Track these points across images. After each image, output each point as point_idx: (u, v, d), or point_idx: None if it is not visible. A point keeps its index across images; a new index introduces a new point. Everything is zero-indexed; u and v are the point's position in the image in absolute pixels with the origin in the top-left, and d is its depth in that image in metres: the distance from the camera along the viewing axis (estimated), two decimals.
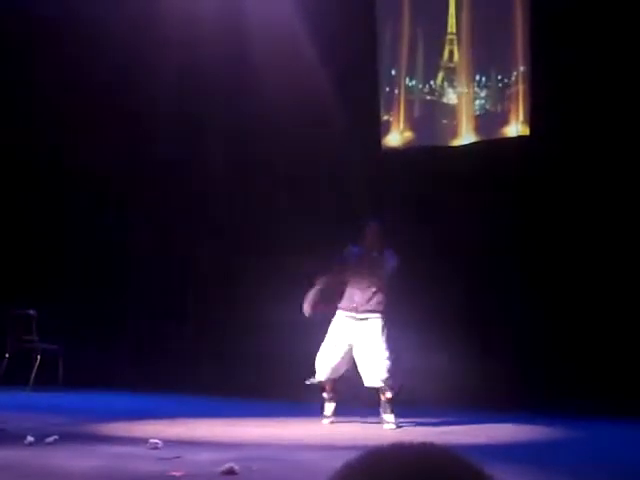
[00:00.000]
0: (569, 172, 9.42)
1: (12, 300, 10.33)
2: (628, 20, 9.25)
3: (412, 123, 10.73)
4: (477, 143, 10.24)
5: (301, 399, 8.51)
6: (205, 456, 5.10)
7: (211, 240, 11.01)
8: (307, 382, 7.54)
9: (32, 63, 11.36)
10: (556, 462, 5.48)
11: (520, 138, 9.97)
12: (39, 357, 10.05)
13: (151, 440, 5.46)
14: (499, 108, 10.29)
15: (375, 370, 7.21)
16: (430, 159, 10.16)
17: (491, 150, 10.00)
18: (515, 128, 10.06)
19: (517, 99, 10.06)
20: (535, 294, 9.36)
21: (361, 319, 7.33)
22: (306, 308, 7.44)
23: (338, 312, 7.46)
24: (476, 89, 10.38)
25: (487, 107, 10.40)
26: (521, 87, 10.02)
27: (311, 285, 7.50)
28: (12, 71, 11.46)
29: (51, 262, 11.30)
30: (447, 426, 7.30)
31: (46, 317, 10.15)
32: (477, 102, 10.42)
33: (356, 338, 7.33)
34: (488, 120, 10.33)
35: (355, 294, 7.38)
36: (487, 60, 10.33)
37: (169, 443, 5.50)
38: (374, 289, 7.36)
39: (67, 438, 5.62)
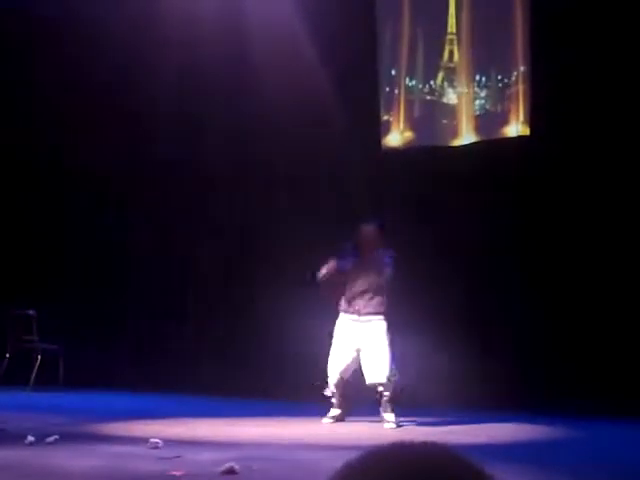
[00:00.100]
0: (569, 172, 9.41)
1: (12, 300, 10.33)
2: (628, 20, 9.25)
3: (412, 123, 10.73)
4: (477, 143, 10.24)
5: (301, 399, 8.51)
6: (205, 456, 5.11)
7: (211, 240, 11.01)
8: (317, 385, 7.55)
9: (32, 63, 11.36)
10: (556, 462, 5.48)
11: (520, 138, 9.97)
12: (39, 357, 10.06)
13: (151, 440, 5.46)
14: (499, 108, 10.29)
15: (377, 369, 7.23)
16: (430, 159, 10.15)
17: (491, 150, 10.00)
18: (515, 128, 10.06)
19: (517, 99, 10.06)
20: (535, 294, 9.36)
21: (364, 322, 7.36)
22: (322, 273, 7.40)
23: (341, 315, 7.48)
24: (476, 89, 10.38)
25: (487, 107, 10.40)
26: (521, 87, 10.02)
27: (313, 278, 7.50)
28: (12, 71, 11.46)
29: (51, 262, 11.30)
30: (447, 426, 7.30)
31: (46, 317, 10.15)
32: (477, 102, 10.42)
33: (361, 340, 7.37)
34: (488, 120, 10.33)
35: (355, 297, 7.41)
36: (487, 60, 10.33)
37: (169, 443, 5.50)
38: (373, 291, 7.38)
39: (67, 438, 5.63)
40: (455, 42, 10.44)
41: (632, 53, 9.22)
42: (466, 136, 10.36)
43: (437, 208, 9.91)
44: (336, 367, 7.45)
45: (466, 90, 10.42)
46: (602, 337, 8.94)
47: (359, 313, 7.38)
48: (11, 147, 11.58)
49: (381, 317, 7.35)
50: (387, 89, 10.77)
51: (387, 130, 10.72)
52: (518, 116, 10.03)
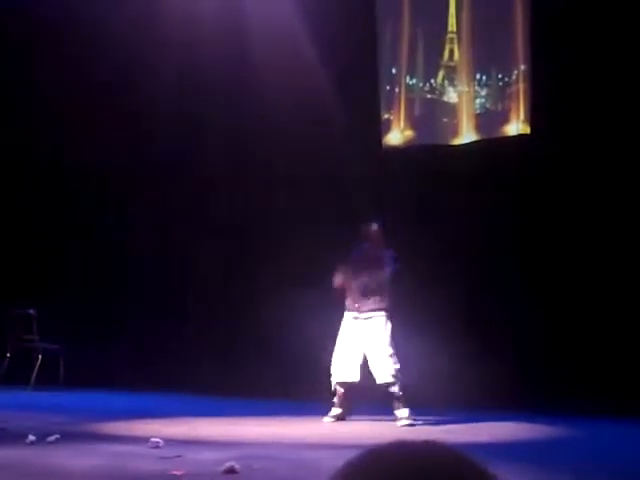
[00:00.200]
0: (569, 171, 9.41)
1: (12, 300, 10.33)
2: (628, 20, 9.25)
3: (412, 122, 10.73)
4: (478, 142, 10.24)
5: (302, 398, 8.51)
6: (206, 455, 5.11)
7: (211, 240, 11.01)
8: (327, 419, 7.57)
9: (32, 63, 11.36)
10: (556, 461, 5.48)
11: (521, 137, 9.97)
12: (40, 357, 10.06)
13: (152, 439, 5.46)
14: (499, 107, 10.29)
15: (382, 367, 7.25)
16: (430, 158, 10.16)
17: (492, 149, 10.00)
18: (516, 127, 10.06)
19: (517, 98, 10.06)
20: (535, 294, 9.36)
21: (365, 318, 7.39)
22: (336, 280, 7.44)
23: (345, 314, 7.52)
24: (476, 88, 10.38)
25: (487, 106, 10.40)
26: (521, 86, 10.02)
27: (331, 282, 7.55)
28: (12, 71, 11.46)
29: (51, 262, 11.30)
30: (448, 425, 7.30)
31: (46, 317, 10.16)
32: (477, 101, 10.42)
33: (363, 337, 7.39)
34: (488, 119, 10.33)
35: (356, 294, 7.46)
36: (487, 59, 10.33)
37: (170, 442, 5.50)
38: (374, 288, 7.40)
39: (68, 437, 5.63)
40: (455, 41, 10.44)
41: (632, 53, 9.22)
42: (466, 135, 10.36)
43: (437, 207, 9.91)
44: (339, 363, 7.47)
45: (466, 89, 10.42)
46: (602, 337, 8.94)
47: (359, 310, 7.42)
48: (11, 147, 11.58)
49: (382, 314, 7.38)
50: (387, 88, 10.77)
51: (387, 129, 10.73)
52: (518, 115, 10.03)
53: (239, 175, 10.91)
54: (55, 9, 11.09)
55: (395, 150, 10.67)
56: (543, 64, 9.72)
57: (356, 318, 7.46)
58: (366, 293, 7.42)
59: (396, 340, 7.41)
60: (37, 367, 10.00)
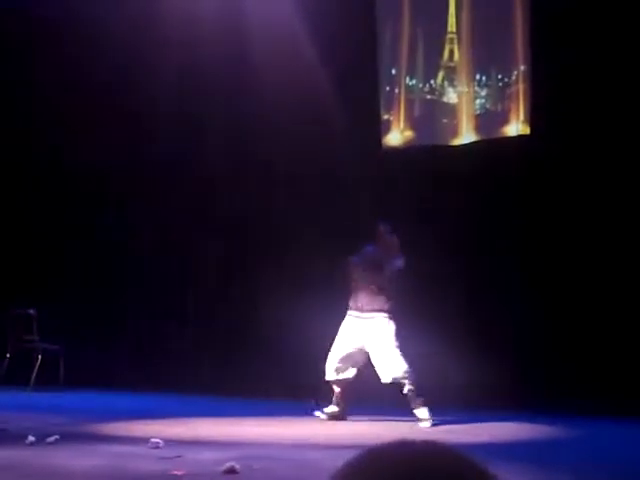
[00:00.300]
0: (569, 171, 9.42)
1: (12, 300, 10.33)
2: (628, 20, 9.25)
3: (412, 122, 10.73)
4: (477, 142, 10.24)
5: (302, 398, 8.51)
6: (206, 455, 5.11)
7: (211, 240, 11.01)
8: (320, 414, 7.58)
9: (32, 63, 11.36)
10: (557, 461, 5.49)
11: (520, 137, 9.97)
12: (40, 357, 10.06)
13: (152, 439, 5.46)
14: (499, 107, 10.29)
15: (390, 367, 7.24)
16: (430, 158, 10.16)
17: (491, 149, 10.00)
18: (515, 127, 10.06)
19: (517, 98, 10.06)
20: (535, 294, 9.36)
21: (367, 318, 7.39)
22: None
23: (348, 313, 7.52)
24: (476, 88, 10.38)
25: (487, 106, 10.40)
26: (521, 86, 10.02)
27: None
28: (12, 71, 11.46)
29: (51, 262, 11.30)
30: (448, 425, 7.30)
31: (46, 317, 10.16)
32: (477, 101, 10.42)
33: (365, 338, 7.40)
34: (488, 119, 10.33)
35: (360, 294, 7.47)
36: (487, 59, 10.33)
37: (170, 442, 5.51)
38: (378, 289, 7.40)
39: (68, 438, 5.63)
40: (455, 41, 10.44)
41: (632, 53, 9.22)
42: (466, 135, 10.36)
43: (437, 208, 9.91)
44: (335, 360, 7.47)
45: (466, 89, 10.42)
46: (602, 337, 8.95)
47: (362, 310, 7.42)
48: (11, 147, 11.58)
49: (385, 315, 7.37)
50: (387, 88, 10.77)
51: (387, 129, 10.73)
52: (518, 115, 10.03)
53: (239, 175, 10.91)
54: (55, 9, 11.09)
55: (395, 150, 10.67)
56: (543, 64, 9.72)
57: (358, 318, 7.45)
58: (370, 294, 7.43)
59: (404, 339, 7.43)
60: (37, 367, 10.00)
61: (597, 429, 7.48)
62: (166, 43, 10.74)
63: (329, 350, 7.58)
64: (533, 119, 9.85)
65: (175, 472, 4.46)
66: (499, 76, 10.24)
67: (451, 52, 10.48)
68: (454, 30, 10.43)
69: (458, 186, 9.76)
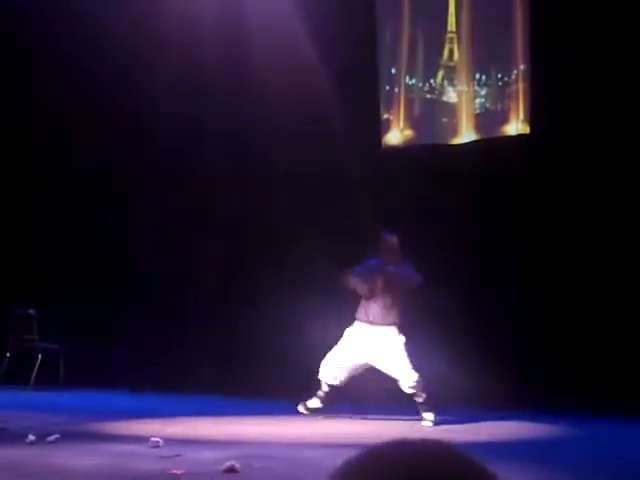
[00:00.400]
0: (569, 171, 9.42)
1: (13, 299, 10.33)
2: (628, 20, 9.25)
3: (412, 121, 10.73)
4: (477, 141, 10.24)
5: (302, 398, 8.50)
6: (206, 454, 5.11)
7: (211, 240, 11.00)
8: (302, 409, 7.61)
9: (32, 63, 11.35)
10: (557, 460, 5.49)
11: (520, 136, 9.97)
12: (40, 356, 10.06)
13: (152, 439, 5.46)
14: (499, 106, 10.29)
15: (403, 378, 7.30)
16: (430, 158, 10.15)
17: (491, 149, 10.00)
18: (515, 126, 10.06)
19: (517, 97, 10.06)
20: (535, 294, 9.36)
21: (377, 332, 7.41)
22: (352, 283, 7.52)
23: (356, 322, 7.53)
24: (476, 87, 10.38)
25: (487, 105, 10.40)
26: (521, 85, 10.02)
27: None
28: (12, 71, 11.46)
29: (51, 262, 11.30)
30: (448, 424, 7.31)
31: (46, 316, 10.16)
32: (477, 100, 10.42)
33: (373, 352, 7.43)
34: (488, 118, 10.33)
35: (371, 308, 7.47)
36: (487, 58, 10.32)
37: (170, 442, 5.51)
38: (390, 303, 7.42)
39: (68, 437, 5.63)
40: (455, 40, 10.44)
41: (632, 53, 9.22)
42: (466, 134, 10.36)
43: (437, 207, 9.91)
44: (332, 363, 7.49)
45: (466, 88, 10.42)
46: (602, 337, 8.95)
47: (373, 323, 7.42)
48: (11, 147, 11.58)
49: (395, 328, 7.40)
50: (387, 88, 10.77)
51: (387, 128, 10.73)
52: (518, 114, 10.03)
53: (239, 175, 10.91)
54: (55, 9, 11.08)
55: (395, 150, 10.67)
56: (543, 64, 9.72)
57: (366, 329, 7.45)
58: (383, 307, 7.43)
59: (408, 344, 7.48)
60: (37, 367, 10.00)
61: (597, 428, 7.48)
62: (166, 43, 10.73)
63: (329, 350, 7.59)
64: (533, 118, 9.84)
65: (175, 471, 4.46)
66: (499, 75, 10.23)
67: (451, 51, 10.48)
68: (454, 29, 10.42)
69: (458, 185, 9.76)
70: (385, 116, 10.75)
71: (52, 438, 5.49)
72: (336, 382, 7.56)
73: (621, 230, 9.15)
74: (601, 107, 9.30)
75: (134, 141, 11.13)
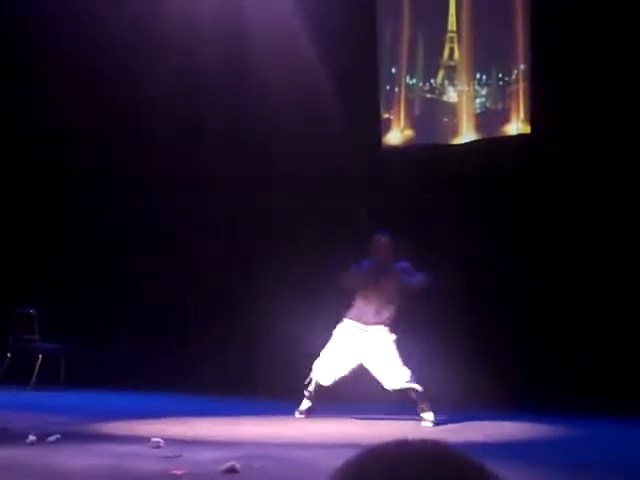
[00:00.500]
0: (570, 170, 9.42)
1: (13, 299, 10.33)
2: (628, 20, 9.25)
3: (412, 121, 10.73)
4: (478, 141, 10.24)
5: (302, 398, 8.50)
6: (206, 455, 5.11)
7: (211, 240, 11.01)
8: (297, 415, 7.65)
9: (32, 63, 11.35)
10: (556, 460, 5.49)
11: (521, 136, 9.97)
12: (40, 356, 10.06)
13: (153, 439, 5.47)
14: (500, 106, 10.29)
15: (394, 375, 7.28)
16: (430, 157, 10.16)
17: (492, 148, 10.00)
18: (516, 126, 10.06)
19: (518, 97, 10.06)
20: (535, 293, 9.36)
21: (371, 331, 7.40)
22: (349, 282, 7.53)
23: (346, 321, 7.51)
24: (477, 87, 10.38)
25: (488, 105, 10.40)
26: (522, 85, 10.02)
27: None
28: (12, 71, 11.46)
29: (51, 262, 11.30)
30: (447, 425, 7.30)
31: (47, 316, 10.16)
32: (478, 100, 10.42)
33: (364, 350, 7.41)
34: (489, 118, 10.33)
35: (365, 308, 7.44)
36: (487, 58, 10.33)
37: (170, 442, 5.51)
38: (384, 303, 7.41)
39: (69, 437, 5.63)
40: (455, 40, 10.44)
41: (632, 53, 9.22)
42: (466, 134, 10.36)
43: (437, 207, 9.91)
44: (324, 364, 7.49)
45: (466, 88, 10.42)
46: (602, 337, 8.95)
47: (367, 323, 7.41)
48: (11, 147, 11.58)
49: (387, 328, 7.39)
50: (387, 87, 10.77)
51: (387, 128, 10.73)
52: (519, 114, 10.03)
53: (239, 175, 10.91)
54: (55, 9, 11.08)
55: (395, 150, 10.67)
56: (543, 64, 9.72)
57: (359, 328, 7.44)
58: (375, 306, 7.42)
59: (398, 343, 7.47)
60: (38, 367, 10.00)
61: (596, 428, 7.48)
62: (166, 43, 10.73)
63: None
64: (533, 118, 9.85)
65: (175, 471, 4.46)
66: (499, 75, 10.24)
67: (451, 51, 10.48)
68: (454, 29, 10.43)
69: (458, 185, 9.76)
70: (385, 116, 10.76)
71: (53, 438, 5.49)
72: (329, 383, 7.55)
73: (622, 229, 9.15)
74: (601, 107, 9.30)
75: (134, 141, 11.13)
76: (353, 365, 7.46)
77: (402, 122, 10.71)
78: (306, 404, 7.67)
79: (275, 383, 9.35)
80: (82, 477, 4.39)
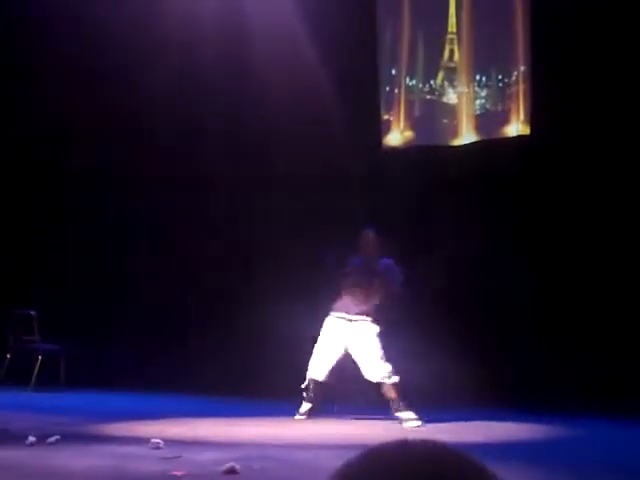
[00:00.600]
0: (569, 171, 9.42)
1: (13, 300, 10.33)
2: (628, 20, 9.26)
3: (412, 122, 10.73)
4: (477, 142, 10.25)
5: (302, 399, 8.51)
6: (206, 455, 5.11)
7: (211, 240, 11.01)
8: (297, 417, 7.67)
9: (32, 63, 11.35)
10: (555, 461, 5.49)
11: (520, 137, 9.97)
12: (40, 357, 10.05)
13: (153, 440, 5.46)
14: (499, 107, 10.30)
15: (374, 368, 7.32)
16: (430, 159, 10.16)
17: (491, 150, 10.00)
18: (515, 127, 10.07)
19: (517, 98, 10.07)
20: (535, 293, 9.36)
21: (352, 321, 7.47)
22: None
23: (332, 314, 7.60)
24: (476, 88, 10.38)
25: (487, 106, 10.41)
26: (521, 86, 10.02)
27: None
28: (12, 71, 11.46)
29: (51, 262, 11.30)
30: (447, 425, 7.30)
31: (47, 317, 10.15)
32: (477, 101, 10.43)
33: (348, 340, 7.51)
34: (488, 119, 10.33)
35: (349, 300, 7.55)
36: (487, 59, 10.33)
37: (170, 443, 5.51)
38: (368, 296, 7.49)
39: (69, 438, 5.63)
40: (455, 41, 10.45)
41: (632, 53, 9.23)
42: (466, 135, 10.37)
43: (436, 208, 9.92)
44: (318, 361, 7.54)
45: (466, 89, 10.42)
46: (601, 337, 8.95)
47: (348, 312, 7.49)
48: (11, 147, 11.58)
49: (370, 319, 7.47)
50: (387, 89, 10.78)
51: (387, 129, 10.73)
52: (518, 115, 10.03)
53: (239, 175, 10.91)
54: (55, 9, 11.08)
55: (395, 151, 10.67)
56: (543, 65, 9.72)
57: (343, 320, 7.54)
58: (357, 297, 7.50)
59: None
60: (37, 368, 10.00)
61: (596, 428, 7.48)
62: (166, 43, 10.73)
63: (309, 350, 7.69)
64: (533, 119, 9.85)
65: (175, 472, 4.46)
66: (499, 76, 10.24)
67: (451, 52, 10.49)
68: (454, 30, 10.43)
69: (458, 186, 9.76)
70: (385, 117, 10.76)
71: (52, 439, 5.49)
72: (326, 378, 7.60)
73: (621, 230, 9.16)
74: (601, 108, 9.31)
75: (134, 141, 11.13)
76: (340, 355, 7.53)
77: (402, 123, 10.72)
78: (306, 406, 7.68)
79: (275, 383, 9.35)
80: (82, 478, 4.39)
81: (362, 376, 7.44)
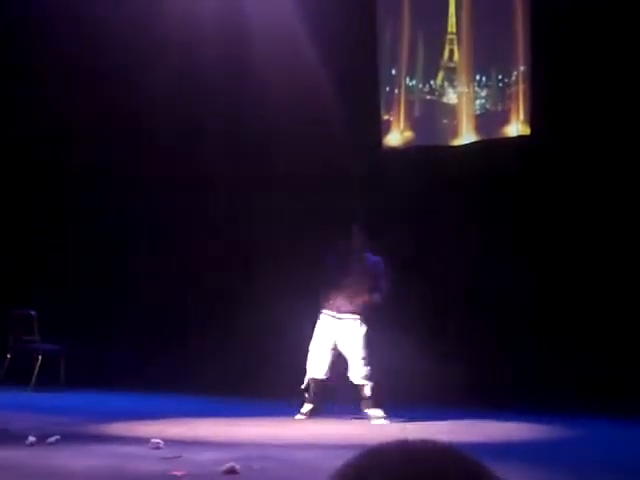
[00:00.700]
0: (569, 171, 9.42)
1: (13, 300, 10.33)
2: (628, 20, 9.26)
3: (412, 123, 10.73)
4: (477, 143, 10.24)
5: (302, 399, 8.51)
6: (206, 456, 5.11)
7: (211, 240, 11.01)
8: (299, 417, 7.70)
9: (32, 63, 11.35)
10: (556, 461, 5.49)
11: (520, 137, 9.97)
12: (40, 357, 10.05)
13: (153, 440, 5.46)
14: (499, 107, 10.29)
15: (354, 369, 7.43)
16: (430, 159, 10.16)
17: (491, 150, 10.00)
18: (515, 127, 10.06)
19: (517, 98, 10.06)
20: (535, 294, 9.36)
21: (341, 319, 7.54)
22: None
23: (322, 313, 7.65)
24: (476, 89, 10.38)
25: (487, 106, 10.41)
26: (521, 86, 10.02)
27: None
28: (12, 71, 11.46)
29: (51, 262, 11.30)
30: (446, 425, 7.30)
31: (47, 317, 10.15)
32: (477, 102, 10.42)
33: (338, 337, 7.61)
34: (488, 119, 10.33)
35: (337, 296, 7.58)
36: (487, 59, 10.33)
37: (170, 443, 5.51)
38: (356, 291, 7.51)
39: (69, 438, 5.63)
40: (455, 42, 10.44)
41: (632, 53, 9.23)
42: (466, 136, 10.36)
43: (437, 208, 9.92)
44: (314, 360, 7.57)
45: (466, 90, 10.42)
46: (601, 337, 8.95)
47: (338, 310, 7.53)
48: (11, 147, 11.58)
49: (357, 317, 7.51)
50: (387, 89, 10.77)
51: (387, 130, 10.73)
52: (518, 115, 10.03)
53: (239, 175, 10.91)
54: (55, 9, 11.08)
55: (395, 151, 10.67)
56: (543, 65, 9.72)
57: (333, 317, 7.60)
58: (346, 296, 7.53)
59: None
60: (37, 368, 9.99)
61: (596, 428, 7.48)
62: (166, 43, 10.73)
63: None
64: (533, 119, 9.85)
65: (175, 472, 4.47)
66: (499, 76, 10.24)
67: (451, 52, 10.49)
68: (454, 30, 10.43)
69: (458, 186, 9.76)
70: (385, 117, 10.76)
71: (52, 439, 5.49)
72: (325, 376, 7.64)
73: (621, 230, 9.15)
74: (601, 108, 9.31)
75: (134, 141, 11.13)
76: (334, 351, 7.58)
77: (402, 123, 10.72)
78: (307, 407, 7.70)
79: (275, 383, 9.35)
80: (82, 478, 4.39)
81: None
